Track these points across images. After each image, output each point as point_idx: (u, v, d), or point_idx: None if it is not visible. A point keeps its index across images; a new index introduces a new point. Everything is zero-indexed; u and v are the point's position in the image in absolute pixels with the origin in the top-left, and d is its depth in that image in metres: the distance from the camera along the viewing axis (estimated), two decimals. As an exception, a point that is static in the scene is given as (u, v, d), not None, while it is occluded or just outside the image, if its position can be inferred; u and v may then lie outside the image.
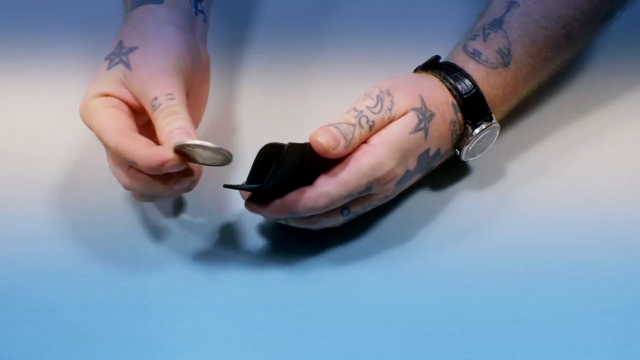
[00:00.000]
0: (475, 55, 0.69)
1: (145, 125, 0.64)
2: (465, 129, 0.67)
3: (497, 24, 0.70)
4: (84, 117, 0.63)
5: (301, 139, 0.72)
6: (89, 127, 0.63)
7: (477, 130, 0.67)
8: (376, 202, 0.66)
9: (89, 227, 0.68)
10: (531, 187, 0.71)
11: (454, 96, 0.67)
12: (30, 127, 0.76)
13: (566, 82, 0.81)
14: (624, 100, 0.78)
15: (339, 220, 0.65)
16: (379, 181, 0.63)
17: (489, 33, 0.70)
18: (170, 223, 0.68)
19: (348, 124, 0.63)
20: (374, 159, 0.63)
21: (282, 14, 0.85)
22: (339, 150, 0.62)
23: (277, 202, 0.62)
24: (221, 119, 0.77)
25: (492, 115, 0.68)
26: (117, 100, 0.63)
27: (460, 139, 0.68)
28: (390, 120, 0.64)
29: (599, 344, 0.61)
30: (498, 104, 0.69)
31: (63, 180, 0.71)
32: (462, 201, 0.70)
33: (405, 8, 0.86)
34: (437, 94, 0.66)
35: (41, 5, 0.87)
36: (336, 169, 0.62)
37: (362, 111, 0.63)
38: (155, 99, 0.61)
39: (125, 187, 0.63)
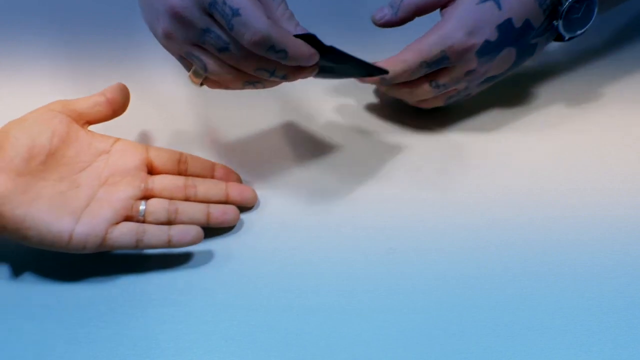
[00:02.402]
0: None
1: None
2: None
3: None
4: None
5: (301, 140, 0.72)
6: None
7: None
8: (460, 76, 0.70)
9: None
10: (531, 186, 0.71)
11: None
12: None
13: (567, 81, 0.81)
14: (625, 101, 0.78)
15: (428, 92, 0.71)
16: (453, 50, 0.68)
17: None
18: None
19: None
20: (443, 30, 0.69)
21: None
22: (386, 19, 0.71)
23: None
24: (221, 119, 0.77)
25: None
26: None
27: (555, 10, 0.69)
28: None
29: (599, 344, 0.60)
30: None
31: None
32: (463, 201, 0.70)
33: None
34: None
35: (41, 5, 0.87)
36: (415, 41, 0.70)
37: None
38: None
39: (208, 70, 0.62)
